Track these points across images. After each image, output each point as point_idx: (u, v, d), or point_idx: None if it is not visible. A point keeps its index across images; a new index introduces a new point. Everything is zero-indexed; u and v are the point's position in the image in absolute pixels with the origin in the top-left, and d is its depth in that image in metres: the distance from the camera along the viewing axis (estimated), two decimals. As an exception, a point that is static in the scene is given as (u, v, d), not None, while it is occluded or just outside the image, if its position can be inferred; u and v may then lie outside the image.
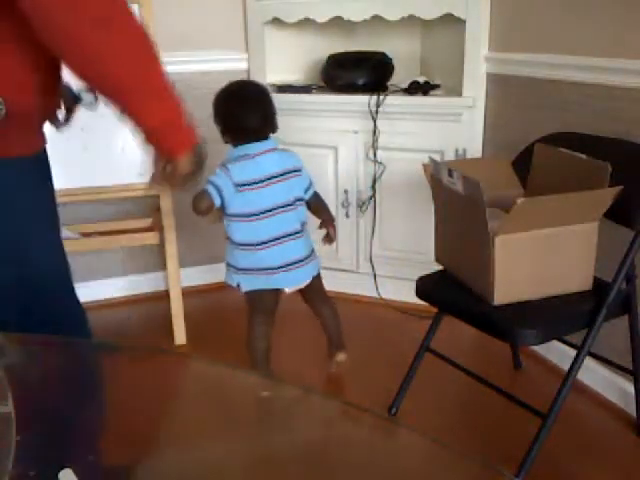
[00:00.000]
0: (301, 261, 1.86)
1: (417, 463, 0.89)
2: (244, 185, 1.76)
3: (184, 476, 0.88)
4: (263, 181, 1.78)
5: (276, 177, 1.80)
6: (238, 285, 1.86)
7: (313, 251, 1.93)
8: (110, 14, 1.05)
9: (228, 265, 1.89)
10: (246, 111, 1.81)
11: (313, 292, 1.97)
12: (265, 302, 1.88)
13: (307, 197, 1.91)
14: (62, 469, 0.76)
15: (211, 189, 1.75)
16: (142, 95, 1.13)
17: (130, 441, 0.94)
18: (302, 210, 1.89)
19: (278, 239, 1.81)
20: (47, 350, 1.17)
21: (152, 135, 1.17)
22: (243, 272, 1.83)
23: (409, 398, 1.91)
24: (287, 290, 1.89)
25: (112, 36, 1.06)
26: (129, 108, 1.13)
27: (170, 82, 1.16)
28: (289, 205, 1.83)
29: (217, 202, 1.76)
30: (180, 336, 2.36)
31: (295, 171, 1.86)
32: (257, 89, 1.91)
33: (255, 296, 1.87)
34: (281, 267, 1.82)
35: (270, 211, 1.79)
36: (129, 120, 1.14)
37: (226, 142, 1.85)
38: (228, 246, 1.87)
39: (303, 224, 1.89)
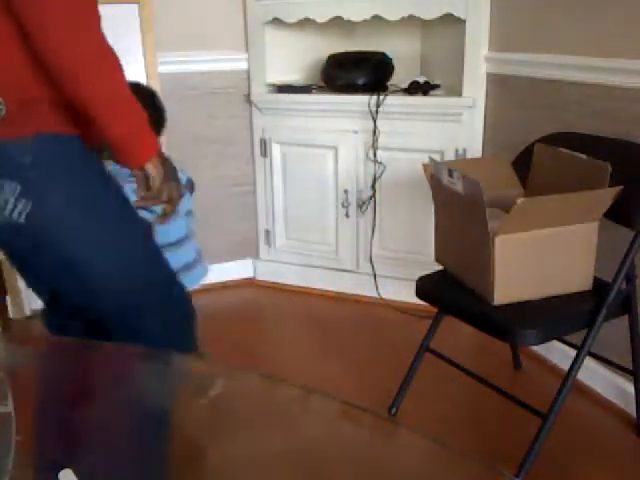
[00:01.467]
0: None
1: (417, 463, 0.89)
2: None
3: (184, 476, 0.88)
4: None
5: None
6: None
7: None
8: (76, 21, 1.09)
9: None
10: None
11: None
12: None
13: None
14: (62, 469, 0.76)
15: None
16: (111, 105, 1.16)
17: (130, 440, 0.94)
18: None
19: None
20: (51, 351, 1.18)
21: (120, 144, 1.18)
22: None
23: (409, 398, 1.91)
24: None
25: (80, 47, 1.11)
26: (100, 118, 1.15)
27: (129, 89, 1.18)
28: None
29: None
30: (180, 336, 2.36)
31: None
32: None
33: None
34: None
35: None
36: (98, 131, 1.16)
37: None
38: None
39: None
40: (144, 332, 1.33)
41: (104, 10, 2.17)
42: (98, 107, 1.13)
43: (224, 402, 1.05)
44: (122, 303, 1.30)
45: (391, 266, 2.60)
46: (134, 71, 2.16)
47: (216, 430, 1.00)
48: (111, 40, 2.29)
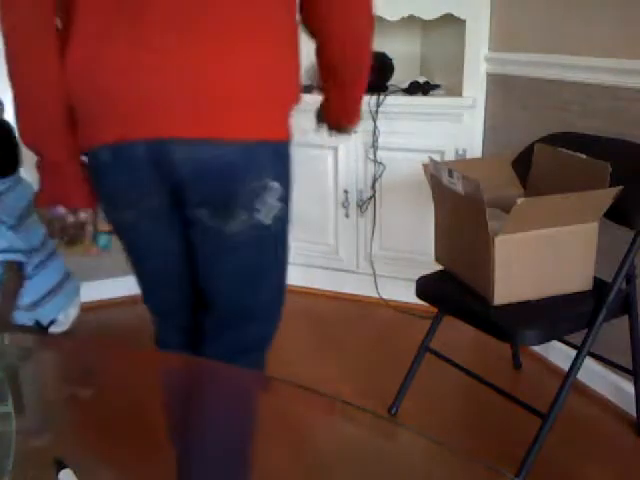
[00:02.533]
0: None
1: (417, 463, 0.89)
2: None
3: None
4: None
5: None
6: None
7: None
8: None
9: None
10: None
11: None
12: None
13: None
14: (62, 469, 0.76)
15: None
16: (367, 68, 1.33)
17: (130, 441, 0.94)
18: None
19: None
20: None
21: (355, 103, 1.38)
22: None
23: (409, 398, 1.91)
24: None
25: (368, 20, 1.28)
26: (359, 80, 1.34)
27: None
28: None
29: None
30: (180, 336, 2.36)
31: None
32: None
33: None
34: None
35: None
36: (343, 92, 1.36)
37: None
38: None
39: None
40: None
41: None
42: (366, 71, 1.32)
43: (223, 402, 1.05)
44: (268, 315, 1.30)
45: (391, 266, 2.60)
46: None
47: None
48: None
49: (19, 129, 1.13)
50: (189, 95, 1.03)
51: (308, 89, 2.59)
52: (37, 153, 1.14)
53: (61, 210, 1.16)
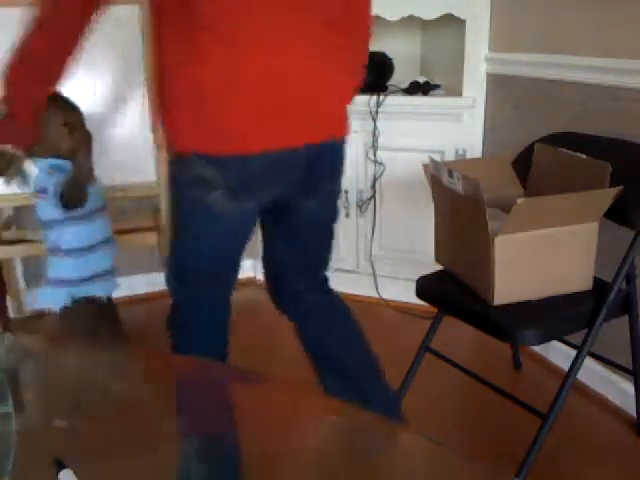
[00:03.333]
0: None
1: (417, 463, 0.89)
2: None
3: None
4: None
5: None
6: None
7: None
8: None
9: None
10: None
11: None
12: None
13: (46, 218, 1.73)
14: (62, 469, 0.76)
15: None
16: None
17: (130, 441, 0.94)
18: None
19: None
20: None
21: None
22: None
23: (409, 398, 1.90)
24: None
25: None
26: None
27: None
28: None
29: None
30: (180, 336, 2.36)
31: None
32: None
33: None
34: None
35: None
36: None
37: None
38: None
39: None
40: None
41: (104, 11, 2.17)
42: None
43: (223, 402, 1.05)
44: None
45: (391, 266, 2.60)
46: (134, 71, 2.16)
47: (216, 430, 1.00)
48: (112, 41, 2.30)
49: (11, 69, 1.30)
50: (328, 108, 1.35)
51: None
52: (13, 98, 1.32)
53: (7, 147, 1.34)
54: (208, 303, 1.53)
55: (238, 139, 1.27)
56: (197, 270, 1.46)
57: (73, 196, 1.60)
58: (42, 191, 1.63)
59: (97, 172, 2.24)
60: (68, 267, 1.73)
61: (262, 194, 1.37)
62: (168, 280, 1.56)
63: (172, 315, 1.58)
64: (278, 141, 1.29)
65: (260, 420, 1.00)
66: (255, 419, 1.00)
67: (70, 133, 1.66)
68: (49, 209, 1.65)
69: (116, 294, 2.75)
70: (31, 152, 1.52)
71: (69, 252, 1.72)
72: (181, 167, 1.35)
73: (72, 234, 1.71)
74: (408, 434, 0.96)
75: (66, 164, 1.65)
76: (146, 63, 2.16)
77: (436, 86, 2.49)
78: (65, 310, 1.74)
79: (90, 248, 1.75)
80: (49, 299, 1.76)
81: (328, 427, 0.98)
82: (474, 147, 2.40)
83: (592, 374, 1.98)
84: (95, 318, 1.81)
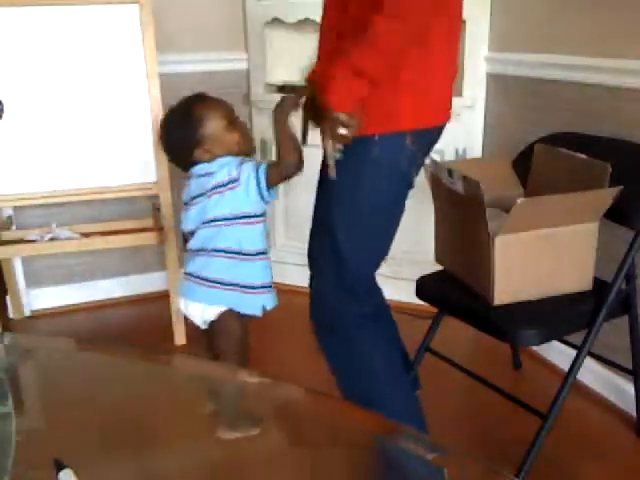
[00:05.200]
0: (200, 279, 1.57)
1: (417, 463, 0.89)
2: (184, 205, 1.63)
3: (184, 475, 0.88)
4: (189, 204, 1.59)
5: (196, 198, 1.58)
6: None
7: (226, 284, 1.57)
8: None
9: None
10: None
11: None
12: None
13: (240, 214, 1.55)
14: (62, 469, 0.76)
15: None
16: None
17: (130, 441, 0.94)
18: (227, 230, 1.55)
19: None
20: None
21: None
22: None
23: (409, 398, 1.90)
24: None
25: None
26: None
27: None
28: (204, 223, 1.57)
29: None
30: (180, 336, 2.36)
31: (220, 186, 1.53)
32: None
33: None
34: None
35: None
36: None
37: None
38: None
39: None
40: None
41: (104, 10, 2.18)
42: None
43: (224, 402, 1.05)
44: None
45: (391, 266, 2.59)
46: (134, 71, 2.16)
47: (216, 430, 1.00)
48: (111, 40, 2.30)
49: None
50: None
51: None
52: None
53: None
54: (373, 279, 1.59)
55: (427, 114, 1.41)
56: (383, 250, 1.57)
57: (278, 171, 1.49)
58: (231, 182, 1.50)
59: (96, 172, 2.25)
60: (256, 271, 1.59)
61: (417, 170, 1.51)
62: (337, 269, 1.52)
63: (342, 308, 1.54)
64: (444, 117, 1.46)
65: (259, 420, 1.00)
66: (254, 419, 1.00)
67: (235, 126, 1.57)
68: (240, 201, 1.51)
69: (116, 294, 2.76)
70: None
71: (257, 254, 1.58)
72: (385, 146, 1.38)
73: (258, 233, 1.58)
74: (408, 434, 0.96)
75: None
76: (146, 63, 2.16)
77: (436, 86, 2.49)
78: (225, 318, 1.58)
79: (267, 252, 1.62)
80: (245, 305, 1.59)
81: (328, 427, 0.98)
82: (474, 147, 2.40)
83: (592, 374, 1.98)
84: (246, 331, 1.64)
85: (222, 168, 1.51)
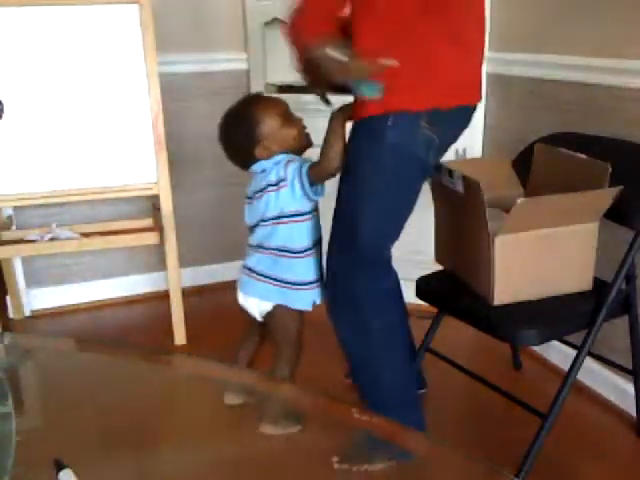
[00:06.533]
0: (257, 274, 1.63)
1: (417, 463, 0.89)
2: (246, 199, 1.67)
3: (184, 475, 0.88)
4: (248, 198, 1.65)
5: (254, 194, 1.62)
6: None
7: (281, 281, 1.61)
8: None
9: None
10: None
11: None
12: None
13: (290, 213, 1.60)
14: (62, 469, 0.76)
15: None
16: None
17: (130, 441, 0.94)
18: (279, 229, 1.59)
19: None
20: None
21: None
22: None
23: (409, 398, 1.90)
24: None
25: None
26: None
27: None
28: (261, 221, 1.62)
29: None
30: (180, 336, 2.36)
31: (271, 185, 1.57)
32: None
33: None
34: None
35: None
36: None
37: None
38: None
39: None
40: None
41: (104, 10, 2.18)
42: None
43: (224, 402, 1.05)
44: None
45: (391, 266, 2.59)
46: (134, 71, 2.16)
47: (216, 430, 1.00)
48: (111, 40, 2.30)
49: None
50: None
51: (307, 89, 2.59)
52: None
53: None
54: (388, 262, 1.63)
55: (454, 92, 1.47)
56: (399, 225, 1.61)
57: (320, 168, 1.54)
58: (279, 181, 1.55)
59: (96, 172, 2.24)
60: (303, 268, 1.62)
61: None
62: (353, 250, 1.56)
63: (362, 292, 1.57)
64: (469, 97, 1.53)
65: (259, 420, 1.00)
66: (254, 419, 1.00)
67: (290, 122, 1.64)
68: (288, 200, 1.56)
69: (116, 294, 2.76)
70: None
71: (304, 251, 1.61)
72: (399, 129, 1.43)
73: (305, 231, 1.61)
74: (409, 434, 0.96)
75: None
76: (146, 63, 2.16)
77: (436, 86, 2.48)
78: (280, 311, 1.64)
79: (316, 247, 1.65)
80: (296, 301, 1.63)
81: (328, 427, 0.98)
82: (474, 147, 2.40)
83: (592, 374, 1.98)
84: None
85: (275, 167, 1.58)
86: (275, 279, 1.61)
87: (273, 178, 1.56)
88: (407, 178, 1.52)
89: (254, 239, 1.64)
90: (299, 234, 1.60)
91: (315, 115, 2.56)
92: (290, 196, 1.56)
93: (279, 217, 1.58)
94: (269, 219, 1.59)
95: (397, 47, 1.38)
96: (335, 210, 1.59)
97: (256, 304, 1.65)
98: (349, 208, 1.55)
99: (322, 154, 1.54)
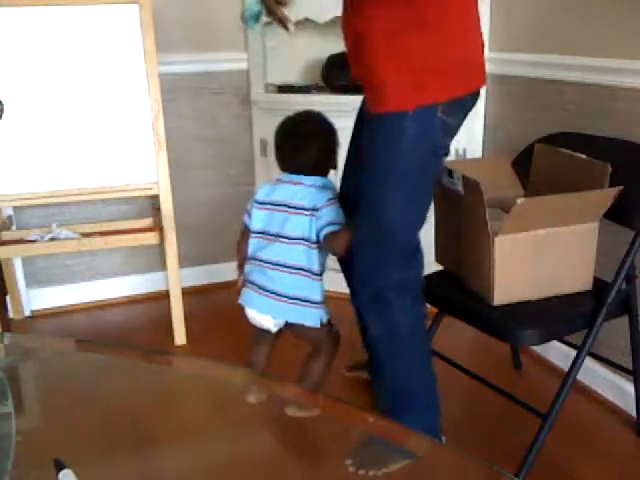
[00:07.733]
0: (271, 292, 1.65)
1: (417, 463, 0.89)
2: (259, 203, 1.69)
3: (184, 475, 0.88)
4: (268, 204, 1.67)
5: (279, 205, 1.65)
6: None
7: (299, 299, 1.65)
8: None
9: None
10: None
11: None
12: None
13: (314, 239, 1.63)
14: (62, 469, 0.76)
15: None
16: None
17: (130, 441, 0.94)
18: (302, 250, 1.62)
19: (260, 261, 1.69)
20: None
21: None
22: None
23: (409, 398, 1.90)
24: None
25: None
26: None
27: None
28: (282, 237, 1.64)
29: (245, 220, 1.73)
30: (180, 336, 2.36)
31: (305, 209, 1.60)
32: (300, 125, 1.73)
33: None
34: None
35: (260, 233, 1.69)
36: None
37: None
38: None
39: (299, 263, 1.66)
40: None
41: (104, 10, 2.18)
42: None
43: (224, 402, 1.05)
44: None
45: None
46: (134, 71, 2.16)
47: (216, 430, 1.00)
48: (111, 40, 2.30)
49: None
50: None
51: (307, 89, 2.59)
52: None
53: None
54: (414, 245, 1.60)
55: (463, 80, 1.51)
56: (424, 210, 1.57)
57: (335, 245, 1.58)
58: (314, 210, 1.59)
59: (96, 172, 2.25)
60: (319, 288, 1.66)
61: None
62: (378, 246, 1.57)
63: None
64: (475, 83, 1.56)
65: (259, 419, 1.00)
66: (254, 419, 1.00)
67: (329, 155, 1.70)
68: (305, 225, 1.61)
69: (116, 294, 2.76)
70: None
71: (321, 274, 1.66)
72: (419, 121, 1.45)
73: (324, 256, 1.66)
74: (408, 434, 0.96)
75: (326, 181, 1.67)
76: (146, 63, 2.16)
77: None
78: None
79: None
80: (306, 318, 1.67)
81: (328, 427, 0.98)
82: (474, 147, 2.40)
83: (592, 374, 1.98)
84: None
85: (318, 192, 1.62)
86: (291, 297, 1.63)
87: (308, 204, 1.60)
88: (427, 164, 1.54)
89: (269, 254, 1.64)
90: (320, 258, 1.64)
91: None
92: (307, 224, 1.61)
93: (304, 239, 1.60)
94: (294, 238, 1.61)
95: (412, 34, 1.42)
96: (359, 208, 1.58)
97: (271, 320, 1.67)
98: (375, 200, 1.55)
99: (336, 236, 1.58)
